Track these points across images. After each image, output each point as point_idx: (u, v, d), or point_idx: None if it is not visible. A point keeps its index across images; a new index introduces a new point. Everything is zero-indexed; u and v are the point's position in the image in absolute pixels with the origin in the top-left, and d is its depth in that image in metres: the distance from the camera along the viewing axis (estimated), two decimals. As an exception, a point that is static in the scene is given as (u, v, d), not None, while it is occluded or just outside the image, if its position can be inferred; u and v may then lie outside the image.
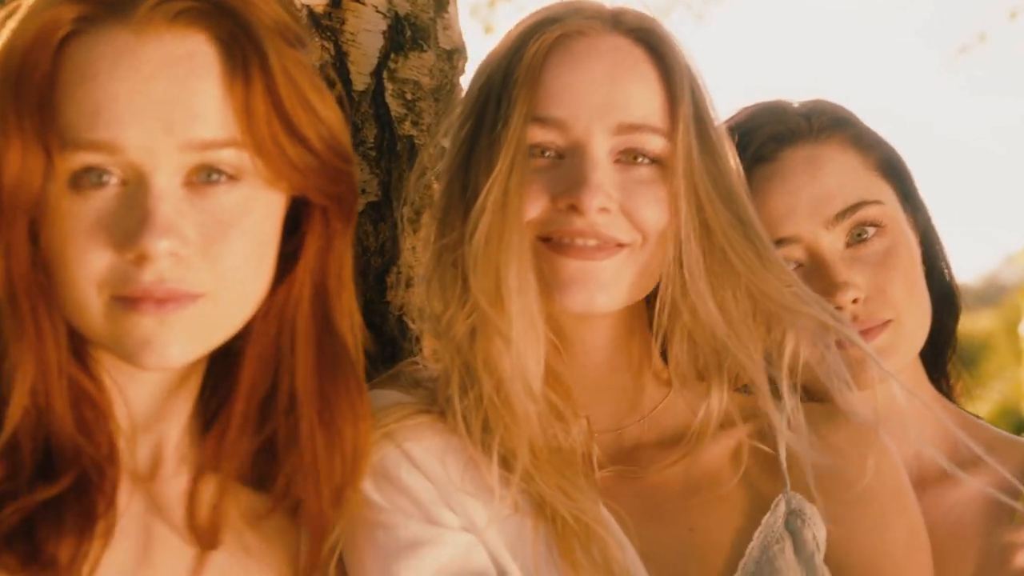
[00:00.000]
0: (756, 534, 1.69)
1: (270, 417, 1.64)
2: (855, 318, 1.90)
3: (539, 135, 1.68)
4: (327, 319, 1.63)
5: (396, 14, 1.91)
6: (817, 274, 1.91)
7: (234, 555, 1.64)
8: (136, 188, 1.48)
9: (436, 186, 1.88)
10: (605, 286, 1.67)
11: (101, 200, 1.48)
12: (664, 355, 1.79)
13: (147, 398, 1.61)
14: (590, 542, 1.63)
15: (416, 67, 1.93)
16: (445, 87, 1.97)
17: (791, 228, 1.92)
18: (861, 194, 1.94)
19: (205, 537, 1.62)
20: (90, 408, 1.56)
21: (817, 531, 1.70)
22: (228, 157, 1.50)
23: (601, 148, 1.67)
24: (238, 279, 1.53)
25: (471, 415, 1.67)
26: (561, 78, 1.68)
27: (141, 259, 1.46)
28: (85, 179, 1.48)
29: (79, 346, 1.56)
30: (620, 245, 1.67)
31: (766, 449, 1.75)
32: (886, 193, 1.96)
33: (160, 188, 1.47)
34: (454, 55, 1.98)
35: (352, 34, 1.88)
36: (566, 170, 1.67)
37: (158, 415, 1.62)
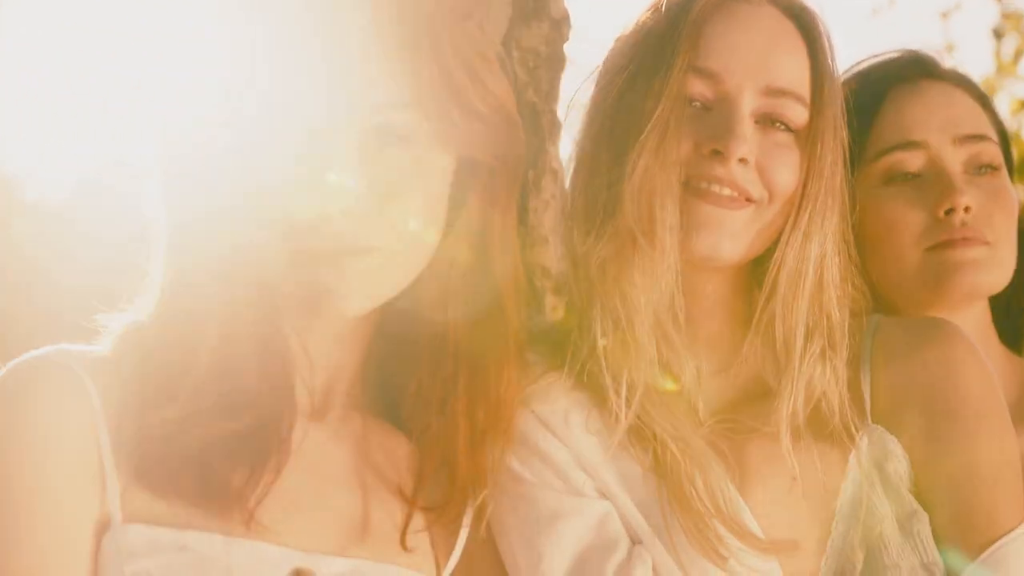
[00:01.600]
0: (847, 473, 1.75)
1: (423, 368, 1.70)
2: (963, 224, 2.00)
3: (695, 85, 1.75)
4: (486, 275, 1.69)
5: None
6: (935, 181, 2.02)
7: (393, 495, 1.70)
8: (317, 151, 1.57)
9: (551, 149, 1.94)
10: (732, 235, 1.74)
11: (284, 160, 1.57)
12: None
13: (323, 346, 1.68)
14: (698, 477, 1.70)
15: (536, 35, 1.98)
16: (556, 55, 2.03)
17: (921, 134, 2.03)
18: (987, 131, 2.06)
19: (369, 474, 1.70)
20: (272, 356, 1.63)
21: (899, 464, 1.76)
22: (400, 118, 1.57)
23: (748, 105, 1.75)
24: (411, 233, 1.60)
25: (595, 351, 1.74)
26: (722, 35, 1.75)
27: (319, 217, 1.56)
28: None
29: (263, 297, 1.62)
30: (749, 200, 1.74)
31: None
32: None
33: (339, 150, 1.57)
34: (562, 24, 2.03)
35: (486, 2, 1.91)
36: (713, 119, 1.75)
37: (333, 362, 1.69)
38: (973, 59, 6.40)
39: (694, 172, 1.73)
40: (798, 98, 1.75)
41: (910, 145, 2.04)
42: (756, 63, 1.74)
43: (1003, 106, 5.12)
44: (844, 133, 1.80)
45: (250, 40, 1.61)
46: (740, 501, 1.71)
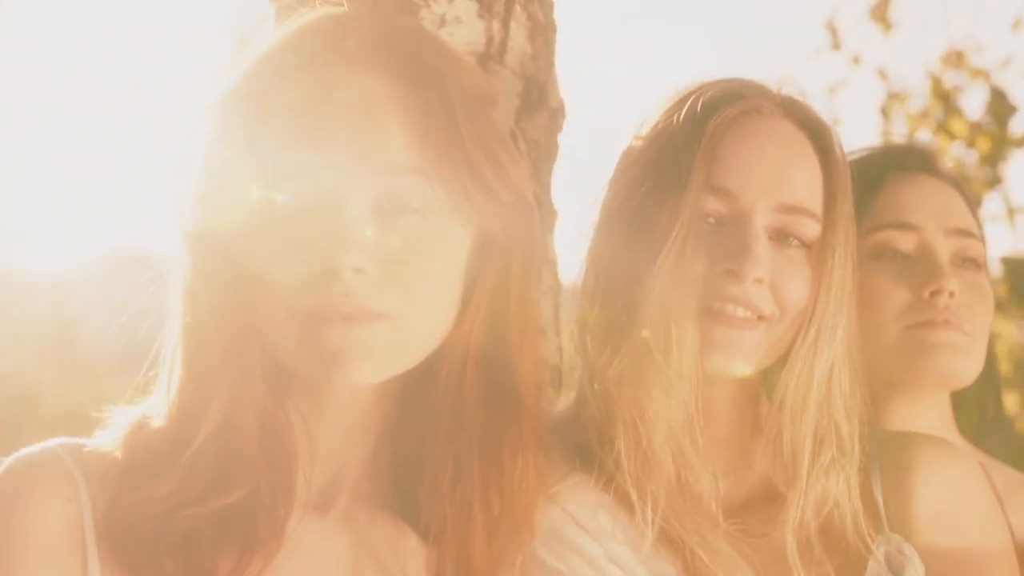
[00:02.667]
0: None
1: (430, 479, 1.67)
2: (946, 308, 2.08)
3: (709, 202, 1.77)
4: (501, 362, 1.67)
5: (527, 75, 1.95)
6: (924, 263, 2.10)
7: None
8: (329, 212, 1.55)
9: (548, 239, 1.93)
10: (745, 354, 1.78)
11: (295, 224, 1.55)
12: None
13: (330, 431, 1.66)
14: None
15: (538, 126, 1.98)
16: (553, 145, 2.03)
17: (916, 218, 2.13)
18: (975, 230, 2.16)
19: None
20: (274, 438, 1.61)
21: (917, 570, 1.78)
22: (414, 186, 1.56)
23: (762, 222, 1.77)
24: (423, 304, 1.58)
25: (620, 464, 1.76)
26: (738, 152, 1.77)
27: (329, 274, 1.53)
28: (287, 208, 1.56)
29: (271, 377, 1.61)
30: (762, 318, 1.77)
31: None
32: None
33: (351, 212, 1.54)
34: (558, 113, 2.04)
35: (495, 96, 1.90)
36: (728, 237, 1.77)
37: (339, 454, 1.67)
38: (860, 134, 6.55)
39: (708, 291, 1.74)
40: (811, 214, 1.77)
41: (904, 226, 2.12)
42: (770, 180, 1.76)
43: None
44: (854, 245, 1.83)
45: (261, 107, 1.60)
46: None
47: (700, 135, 1.77)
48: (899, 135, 5.37)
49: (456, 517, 1.66)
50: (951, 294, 2.09)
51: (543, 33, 2.01)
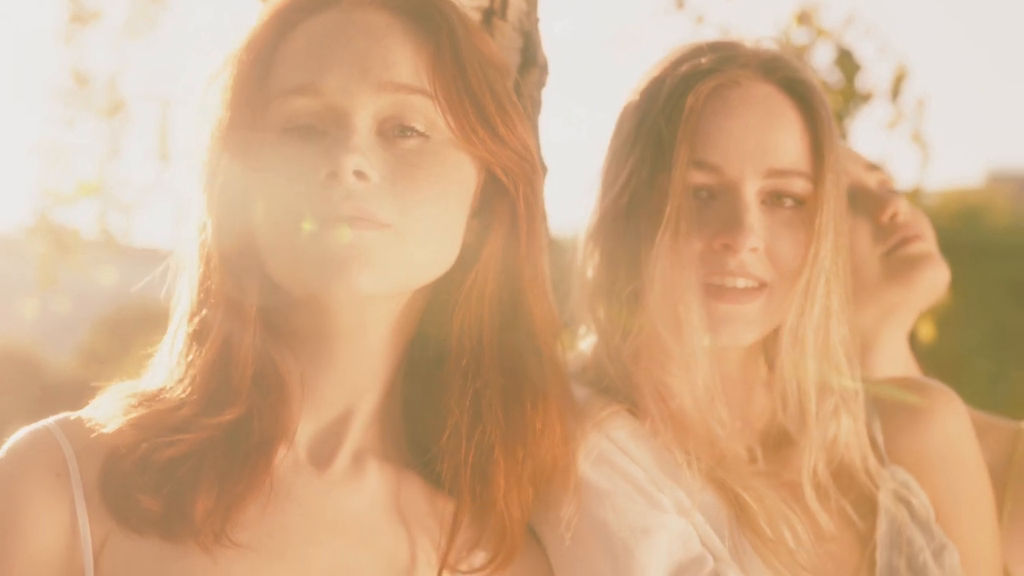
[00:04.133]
0: (880, 510, 1.88)
1: (449, 422, 1.70)
2: (906, 224, 2.25)
3: (697, 177, 1.83)
4: (517, 307, 1.72)
5: (524, 31, 1.98)
6: (871, 196, 2.26)
7: (414, 550, 1.70)
8: (335, 127, 1.61)
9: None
10: (750, 324, 1.85)
11: (306, 143, 1.61)
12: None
13: (333, 381, 1.69)
14: (775, 519, 1.80)
15: (532, 82, 2.01)
16: (540, 101, 2.06)
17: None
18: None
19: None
20: (267, 378, 1.65)
21: (923, 497, 1.89)
22: (418, 105, 1.62)
23: (752, 190, 1.83)
24: (422, 221, 1.62)
25: (653, 426, 1.85)
26: (718, 125, 1.83)
27: (332, 176, 1.57)
28: (295, 125, 1.62)
29: (268, 320, 1.66)
30: (763, 285, 1.84)
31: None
32: None
33: (355, 123, 1.60)
34: (544, 69, 2.07)
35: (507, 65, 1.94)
36: (720, 210, 1.83)
37: (343, 401, 1.70)
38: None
39: (708, 267, 1.81)
40: (800, 173, 1.83)
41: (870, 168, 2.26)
42: (755, 149, 1.81)
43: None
44: (845, 195, 1.91)
45: (272, 46, 1.67)
46: (801, 531, 1.79)
47: (679, 113, 1.82)
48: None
49: (476, 463, 1.68)
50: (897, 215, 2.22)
51: (532, -10, 2.05)
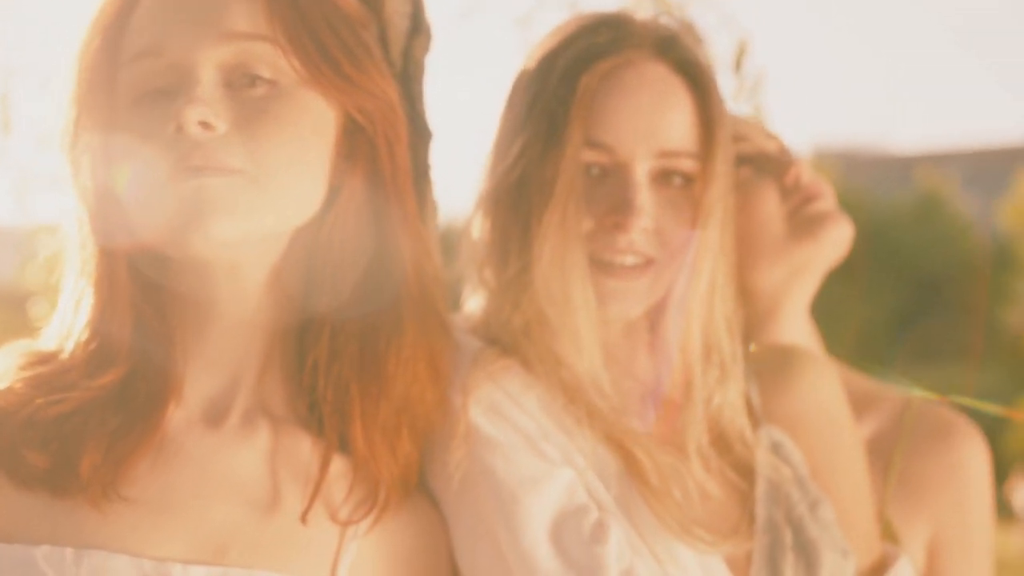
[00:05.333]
0: (759, 468, 1.96)
1: (310, 359, 1.73)
2: (809, 184, 2.27)
3: (589, 155, 1.87)
4: (378, 249, 1.74)
5: (415, -5, 2.01)
6: (777, 157, 2.28)
7: (295, 498, 1.71)
8: (180, 83, 1.64)
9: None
10: (639, 299, 1.90)
11: (156, 104, 1.64)
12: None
13: (217, 339, 1.72)
14: (664, 473, 1.86)
15: (419, 46, 2.04)
16: (423, 67, 2.09)
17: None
18: None
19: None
20: (147, 336, 1.69)
21: (797, 455, 1.97)
22: (261, 52, 1.65)
23: (643, 170, 1.88)
24: (277, 164, 1.64)
25: (544, 390, 1.88)
26: (611, 105, 1.87)
27: (178, 130, 1.61)
28: (145, 91, 1.66)
29: (141, 282, 1.70)
30: (651, 262, 1.89)
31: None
32: None
33: (198, 75, 1.63)
34: (428, 35, 2.09)
35: (389, 16, 1.96)
36: (610, 189, 1.88)
37: (229, 359, 1.72)
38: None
39: (597, 245, 1.85)
40: (689, 153, 1.88)
41: (740, 138, 2.26)
42: (646, 129, 1.86)
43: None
44: (732, 171, 1.96)
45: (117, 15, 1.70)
46: (690, 486, 1.85)
47: (573, 92, 1.85)
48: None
49: (334, 398, 1.71)
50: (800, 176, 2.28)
51: (416, -44, 2.06)
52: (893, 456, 2.27)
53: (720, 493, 1.90)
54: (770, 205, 2.24)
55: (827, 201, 2.26)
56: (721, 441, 1.93)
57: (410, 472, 1.76)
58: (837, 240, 2.26)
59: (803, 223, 2.24)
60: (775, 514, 1.89)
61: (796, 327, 2.28)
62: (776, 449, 1.94)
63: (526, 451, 1.80)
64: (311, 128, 1.67)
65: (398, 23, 1.99)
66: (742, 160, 2.23)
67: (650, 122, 1.86)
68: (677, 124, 1.88)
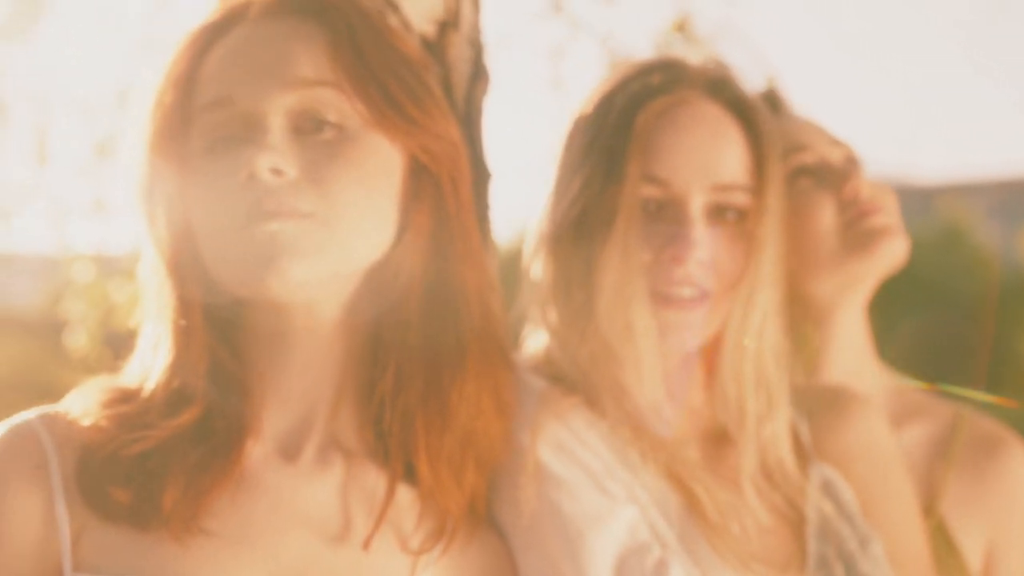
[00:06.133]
0: (808, 503, 2.03)
1: (377, 392, 1.82)
2: (866, 200, 2.41)
3: (647, 190, 1.95)
4: (444, 286, 1.82)
5: (474, 43, 2.07)
6: (832, 173, 2.41)
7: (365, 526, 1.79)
8: (250, 131, 1.73)
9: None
10: (697, 331, 1.99)
11: (228, 152, 1.73)
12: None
13: (291, 375, 1.80)
14: (723, 509, 1.95)
15: (480, 91, 2.10)
16: (481, 110, 2.15)
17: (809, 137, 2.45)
18: None
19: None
20: (222, 376, 1.76)
21: (847, 492, 2.04)
22: (327, 97, 1.73)
23: (698, 204, 1.96)
24: (346, 207, 1.73)
25: (611, 424, 1.99)
26: (667, 142, 1.97)
27: (251, 177, 1.68)
28: (217, 138, 1.74)
29: (216, 323, 1.78)
30: (705, 294, 1.97)
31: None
32: None
33: (267, 124, 1.71)
34: (488, 79, 2.16)
35: (452, 61, 2.02)
36: (667, 223, 1.97)
37: (304, 394, 1.80)
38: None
39: (656, 277, 1.96)
40: (742, 187, 1.98)
41: (802, 147, 2.41)
42: (701, 165, 1.96)
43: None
44: (784, 204, 2.03)
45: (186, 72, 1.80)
46: (745, 513, 1.90)
47: (630, 130, 1.95)
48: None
49: (400, 430, 1.79)
50: (858, 190, 2.37)
51: (478, 5, 2.13)
52: (947, 463, 2.32)
53: (773, 526, 1.95)
54: (827, 216, 2.32)
55: (885, 215, 2.33)
56: (772, 474, 1.98)
57: (477, 503, 1.84)
58: (891, 255, 2.34)
59: (858, 237, 2.32)
60: (826, 550, 1.94)
61: (850, 334, 2.34)
62: (827, 487, 1.99)
63: (591, 489, 1.87)
64: (378, 169, 1.74)
65: (461, 68, 2.06)
66: (802, 171, 2.30)
67: (705, 158, 1.95)
68: (730, 159, 1.97)
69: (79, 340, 6.62)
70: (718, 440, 2.03)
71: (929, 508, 2.35)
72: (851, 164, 2.41)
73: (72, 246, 6.40)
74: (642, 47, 5.73)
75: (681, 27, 5.43)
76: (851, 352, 2.32)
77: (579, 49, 5.89)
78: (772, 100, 3.18)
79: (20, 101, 6.27)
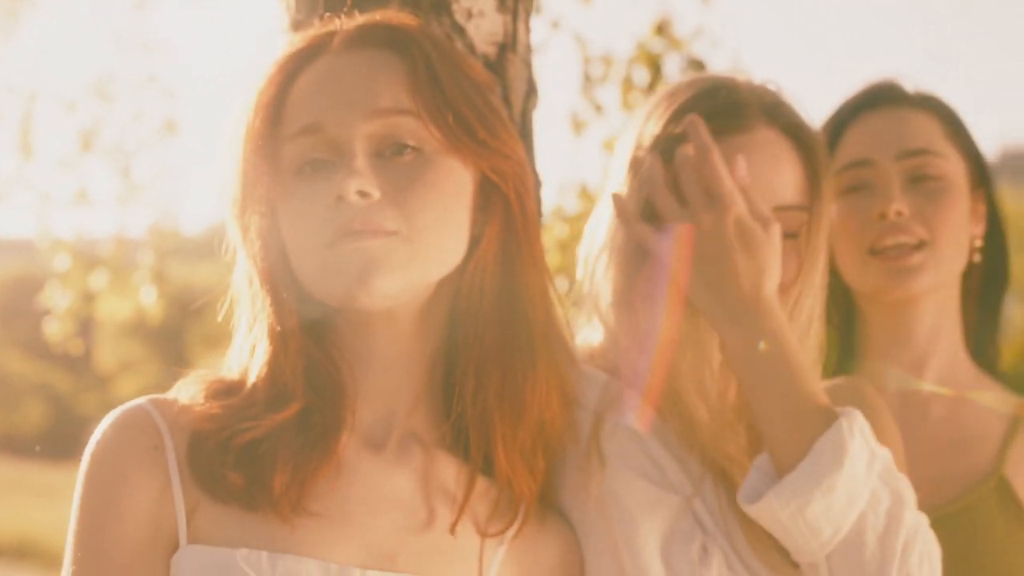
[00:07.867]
0: None
1: (457, 391, 1.95)
2: (894, 225, 2.51)
3: None
4: (513, 291, 1.95)
5: (529, 64, 2.21)
6: (876, 191, 2.52)
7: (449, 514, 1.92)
8: (338, 156, 1.86)
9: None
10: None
11: (317, 175, 1.86)
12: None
13: (376, 371, 1.93)
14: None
15: (533, 105, 2.23)
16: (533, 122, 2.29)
17: (868, 152, 2.54)
18: (932, 146, 2.55)
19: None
20: (318, 375, 1.90)
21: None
22: (406, 124, 1.86)
23: None
24: (426, 224, 1.86)
25: (663, 419, 2.09)
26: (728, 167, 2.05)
27: (339, 199, 1.82)
28: (305, 161, 1.87)
29: (310, 326, 1.91)
30: None
31: None
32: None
33: (353, 150, 1.85)
34: (537, 95, 2.29)
35: (511, 80, 2.15)
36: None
37: (387, 389, 1.93)
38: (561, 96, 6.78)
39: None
40: (799, 207, 2.10)
41: (859, 164, 2.52)
42: (761, 187, 2.07)
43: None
44: (831, 222, 2.17)
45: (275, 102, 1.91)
46: None
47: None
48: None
49: (480, 425, 1.93)
50: (898, 212, 2.47)
51: (529, 27, 2.26)
52: (1014, 431, 2.57)
53: None
54: (858, 233, 2.48)
55: (916, 257, 2.48)
56: None
57: (546, 489, 1.99)
58: (907, 291, 2.49)
59: (881, 268, 2.50)
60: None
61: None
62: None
63: (643, 477, 2.00)
64: (453, 189, 1.88)
65: (518, 87, 2.19)
66: (853, 188, 2.48)
67: (765, 180, 2.07)
68: (788, 182, 2.09)
69: (57, 328, 6.70)
70: (759, 440, 2.16)
71: (994, 470, 2.53)
72: (918, 177, 2.50)
73: (54, 235, 6.48)
74: (620, 46, 5.87)
75: (660, 29, 5.59)
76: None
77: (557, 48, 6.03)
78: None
79: (3, 94, 6.34)
